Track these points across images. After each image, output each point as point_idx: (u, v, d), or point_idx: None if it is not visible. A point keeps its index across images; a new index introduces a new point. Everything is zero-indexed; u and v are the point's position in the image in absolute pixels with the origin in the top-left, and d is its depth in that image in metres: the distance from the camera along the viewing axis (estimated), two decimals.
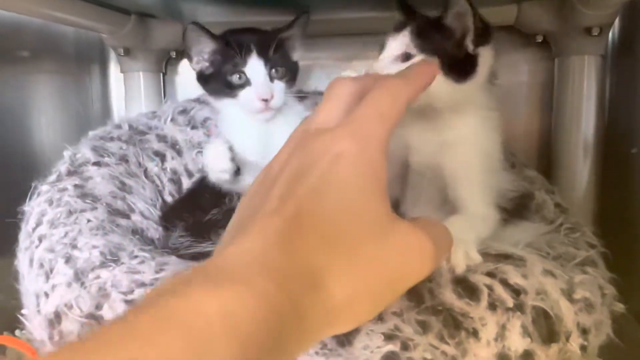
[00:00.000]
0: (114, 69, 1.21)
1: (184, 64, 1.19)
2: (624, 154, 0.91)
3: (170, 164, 0.79)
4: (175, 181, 0.79)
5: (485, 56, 0.64)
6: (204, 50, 0.76)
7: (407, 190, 0.68)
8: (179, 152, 0.81)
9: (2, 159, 0.91)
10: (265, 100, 0.72)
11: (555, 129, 1.01)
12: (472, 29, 0.60)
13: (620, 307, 0.62)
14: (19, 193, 0.93)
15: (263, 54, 0.73)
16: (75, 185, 0.65)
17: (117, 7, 0.97)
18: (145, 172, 0.75)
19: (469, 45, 0.61)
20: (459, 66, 0.61)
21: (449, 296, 0.49)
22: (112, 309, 0.50)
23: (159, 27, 1.08)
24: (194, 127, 0.85)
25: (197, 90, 1.16)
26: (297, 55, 0.80)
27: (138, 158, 0.75)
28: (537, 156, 1.06)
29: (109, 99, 1.22)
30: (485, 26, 0.63)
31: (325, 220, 0.34)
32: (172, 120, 0.84)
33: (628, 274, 0.64)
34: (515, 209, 0.70)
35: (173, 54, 1.15)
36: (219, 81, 0.75)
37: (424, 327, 0.46)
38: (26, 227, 0.62)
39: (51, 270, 0.55)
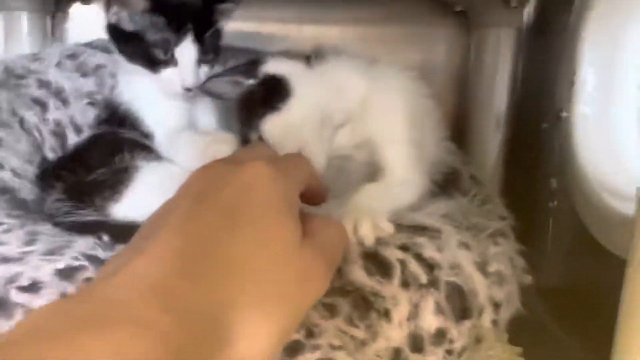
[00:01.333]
0: None
1: (77, 7, 1.04)
2: (533, 128, 0.90)
3: (53, 114, 0.67)
4: (59, 134, 0.67)
5: None
6: (133, 5, 0.62)
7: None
8: (65, 102, 0.69)
9: None
10: (189, 89, 0.63)
11: (469, 101, 0.99)
12: None
13: (528, 279, 0.60)
14: None
15: (199, 38, 0.62)
16: None
17: None
18: (22, 122, 0.62)
19: None
20: None
21: (359, 274, 0.45)
22: None
23: None
24: (84, 75, 0.72)
25: (90, 38, 1.05)
26: (226, 20, 0.68)
27: (12, 104, 0.62)
28: (450, 127, 1.04)
29: None
30: None
31: (233, 245, 0.32)
32: (58, 64, 0.71)
33: (532, 247, 0.63)
34: (444, 185, 0.68)
35: None
36: (139, 47, 0.62)
37: (331, 310, 0.43)
38: None
39: None
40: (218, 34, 0.66)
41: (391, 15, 1.03)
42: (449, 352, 0.48)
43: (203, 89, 0.61)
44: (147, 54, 0.62)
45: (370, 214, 0.51)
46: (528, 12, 0.95)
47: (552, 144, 0.83)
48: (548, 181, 0.82)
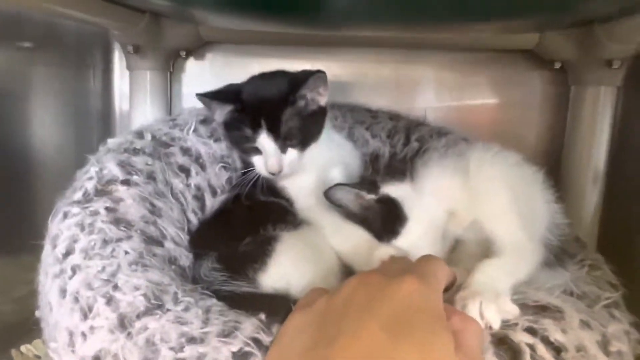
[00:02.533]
0: (118, 65, 1.13)
1: (192, 62, 1.12)
2: (632, 185, 0.90)
3: (194, 179, 0.73)
4: (199, 198, 0.73)
5: None
6: (220, 111, 0.72)
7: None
8: (203, 167, 0.75)
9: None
10: (273, 174, 0.69)
11: (566, 156, 0.99)
12: None
13: None
14: (16, 187, 0.87)
15: (274, 130, 0.68)
16: (107, 209, 0.58)
17: (131, 5, 0.90)
18: (172, 190, 0.69)
19: None
20: None
21: None
22: None
23: (171, 26, 1.01)
24: (217, 140, 0.78)
25: (204, 89, 1.12)
26: (324, 99, 0.72)
27: (164, 175, 0.68)
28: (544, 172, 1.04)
29: (112, 95, 1.14)
30: None
31: (397, 357, 0.38)
32: (194, 131, 0.77)
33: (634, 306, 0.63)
34: (558, 254, 0.67)
35: (183, 54, 1.08)
36: (236, 140, 0.72)
37: None
38: (54, 252, 0.55)
39: (89, 309, 0.49)
40: (302, 111, 0.70)
41: (488, 63, 1.05)
42: None
43: (329, 197, 0.64)
44: (241, 146, 0.71)
45: (494, 295, 0.53)
46: (627, 68, 0.95)
47: None
48: None
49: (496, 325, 0.51)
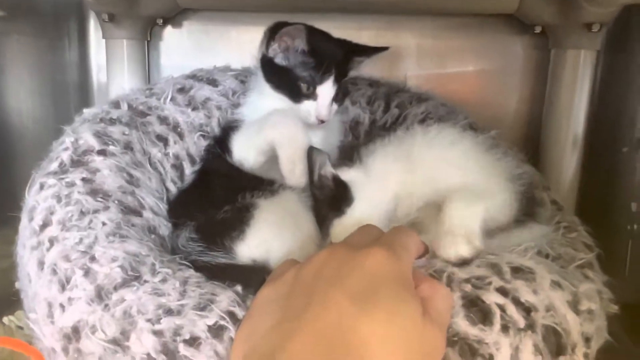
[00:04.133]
0: (94, 34, 1.10)
1: (169, 31, 1.10)
2: (612, 151, 0.91)
3: (172, 148, 0.72)
4: (178, 167, 0.72)
5: None
6: (292, 46, 0.72)
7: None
8: (181, 136, 0.74)
9: None
10: (322, 121, 0.72)
11: (546, 120, 0.99)
12: None
13: (614, 308, 0.61)
14: None
15: (338, 79, 0.72)
16: (84, 180, 0.57)
17: None
18: (149, 159, 0.68)
19: None
20: None
21: (463, 324, 0.47)
22: (140, 342, 0.45)
23: None
24: (195, 109, 0.77)
25: (181, 59, 1.11)
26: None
27: (142, 144, 0.67)
28: (523, 145, 1.05)
29: (88, 65, 1.12)
30: None
31: (365, 326, 0.38)
32: (172, 100, 0.76)
33: (609, 270, 0.63)
34: (526, 205, 0.68)
35: (160, 22, 1.05)
36: (288, 80, 0.72)
37: None
38: (31, 224, 0.55)
39: (67, 281, 0.49)
40: (347, 81, 0.77)
41: (469, 29, 1.04)
42: None
43: (310, 154, 0.64)
44: (293, 87, 0.72)
45: (464, 233, 0.56)
46: (607, 32, 0.95)
47: (632, 168, 0.84)
48: (627, 204, 0.83)
49: (467, 253, 0.54)
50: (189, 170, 0.73)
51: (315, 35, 0.73)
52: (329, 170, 0.64)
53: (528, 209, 0.69)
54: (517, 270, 0.54)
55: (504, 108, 1.06)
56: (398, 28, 1.05)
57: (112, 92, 1.04)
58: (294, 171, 0.65)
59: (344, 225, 0.63)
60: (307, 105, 0.72)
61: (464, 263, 0.55)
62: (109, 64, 1.04)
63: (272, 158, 0.67)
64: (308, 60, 0.71)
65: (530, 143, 1.02)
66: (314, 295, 0.40)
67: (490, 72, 1.05)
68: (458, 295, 0.50)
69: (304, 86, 0.71)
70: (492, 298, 0.50)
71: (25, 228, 0.56)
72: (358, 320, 0.38)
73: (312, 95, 0.71)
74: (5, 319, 0.76)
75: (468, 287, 0.51)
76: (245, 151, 0.69)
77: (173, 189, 0.71)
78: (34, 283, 0.52)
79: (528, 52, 1.03)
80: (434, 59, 1.06)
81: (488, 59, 1.05)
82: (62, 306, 0.48)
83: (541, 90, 1.01)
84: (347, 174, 0.65)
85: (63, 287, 0.49)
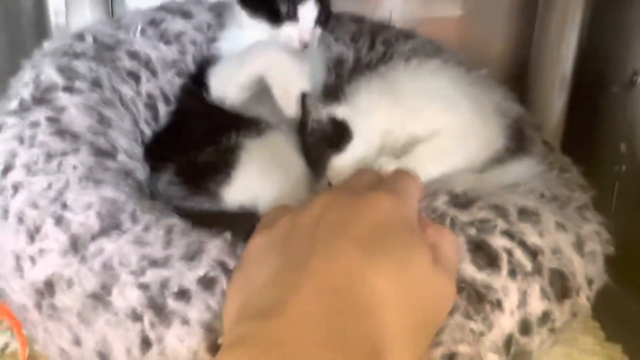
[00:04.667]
0: None
1: None
2: (601, 91, 0.88)
3: (145, 86, 0.65)
4: (152, 107, 0.66)
5: None
6: None
7: None
8: (153, 72, 0.67)
9: None
10: (306, 45, 0.65)
11: (534, 61, 0.96)
12: None
13: (611, 250, 0.59)
14: None
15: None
16: (49, 119, 0.51)
17: None
18: (120, 98, 0.61)
19: None
20: None
21: (469, 270, 0.45)
22: (124, 296, 0.40)
23: None
24: (167, 43, 0.70)
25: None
26: None
27: (111, 81, 0.61)
28: (511, 86, 1.02)
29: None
30: None
31: (376, 276, 0.35)
32: (142, 33, 0.69)
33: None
34: (517, 139, 0.66)
35: None
36: (265, 2, 0.65)
37: None
38: None
39: (37, 230, 0.44)
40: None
41: None
42: (552, 330, 0.49)
43: (304, 100, 0.60)
44: (271, 9, 0.65)
45: None
46: None
47: (623, 108, 0.81)
48: (616, 145, 0.81)
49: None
50: (163, 111, 0.67)
51: None
52: (323, 112, 0.60)
53: (519, 144, 0.66)
54: (521, 212, 0.51)
55: (489, 49, 1.01)
56: None
57: (73, 23, 0.95)
58: (289, 100, 0.59)
59: (342, 163, 0.60)
60: (288, 28, 0.66)
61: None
62: (70, 3, 0.94)
63: (257, 93, 0.62)
64: None
65: (516, 85, 0.99)
66: (317, 243, 0.36)
67: (475, 14, 1.01)
68: (463, 240, 0.47)
69: (283, 7, 0.65)
70: (498, 242, 0.47)
71: None
72: (367, 269, 0.34)
73: (293, 17, 0.65)
74: None
75: (472, 231, 0.48)
76: (226, 87, 0.63)
77: (147, 131, 0.64)
78: None
79: None
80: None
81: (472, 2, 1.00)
82: (32, 259, 0.43)
83: (528, 31, 0.97)
84: (339, 112, 0.61)
85: (32, 238, 0.44)
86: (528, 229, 0.49)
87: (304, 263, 0.35)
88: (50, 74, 0.55)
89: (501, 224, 0.49)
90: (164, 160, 0.58)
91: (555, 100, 0.94)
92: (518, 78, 0.99)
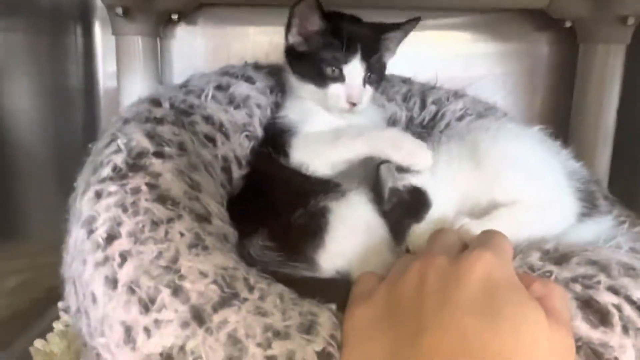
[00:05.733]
0: (100, 30, 1.01)
1: (182, 28, 1.02)
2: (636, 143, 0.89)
3: (221, 150, 0.64)
4: (227, 170, 0.65)
5: None
6: (308, 27, 0.67)
7: None
8: (227, 136, 0.66)
9: None
10: (354, 104, 0.66)
11: (575, 117, 0.96)
12: None
13: None
14: None
15: (366, 57, 0.67)
16: (148, 185, 0.50)
17: None
18: (202, 162, 0.60)
19: None
20: None
21: (583, 327, 0.43)
22: None
23: None
24: (236, 107, 0.70)
25: (193, 58, 1.03)
26: (390, 57, 0.74)
27: (194, 145, 0.60)
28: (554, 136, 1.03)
29: (94, 63, 1.02)
30: None
31: (495, 340, 0.33)
32: (213, 97, 0.69)
33: None
34: (588, 199, 0.66)
35: (175, 17, 0.97)
36: (311, 65, 0.67)
37: None
38: (92, 236, 0.47)
39: (151, 300, 0.42)
40: (382, 60, 0.72)
41: (495, 27, 1.00)
42: None
43: (380, 170, 0.61)
44: (318, 71, 0.67)
45: None
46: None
47: None
48: None
49: None
50: (237, 173, 0.66)
51: (333, 14, 0.69)
52: (401, 182, 0.60)
53: (590, 203, 0.66)
54: (622, 267, 0.50)
55: (529, 105, 1.02)
56: (425, 25, 1.00)
57: (124, 91, 0.95)
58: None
59: (421, 231, 0.59)
60: (334, 87, 0.66)
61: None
62: (120, 62, 0.95)
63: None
64: (329, 41, 0.66)
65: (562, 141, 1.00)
66: (426, 316, 0.35)
67: (516, 69, 1.02)
68: (570, 296, 0.45)
69: (328, 69, 0.66)
70: (606, 298, 0.46)
71: (83, 241, 0.48)
72: (484, 336, 0.33)
73: (339, 78, 0.66)
74: (37, 343, 0.67)
75: (578, 287, 0.47)
76: (315, 161, 0.63)
77: (224, 194, 0.63)
78: (103, 304, 0.44)
79: (555, 48, 1.00)
80: (458, 57, 1.02)
81: (513, 56, 1.02)
82: (146, 330, 0.41)
83: (567, 86, 0.98)
84: (417, 179, 0.61)
85: (146, 308, 0.42)
86: (631, 284, 0.48)
87: (416, 337, 0.34)
88: (141, 140, 0.55)
89: (604, 279, 0.48)
90: (253, 223, 0.56)
91: (599, 153, 0.94)
92: (558, 132, 0.99)
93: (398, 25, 0.70)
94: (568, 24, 0.94)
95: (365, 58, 0.66)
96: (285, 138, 0.66)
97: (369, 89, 0.68)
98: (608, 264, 0.50)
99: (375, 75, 0.68)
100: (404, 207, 0.60)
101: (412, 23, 0.70)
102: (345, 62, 0.66)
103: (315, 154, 0.63)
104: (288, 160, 0.64)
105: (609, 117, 0.93)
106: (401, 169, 0.61)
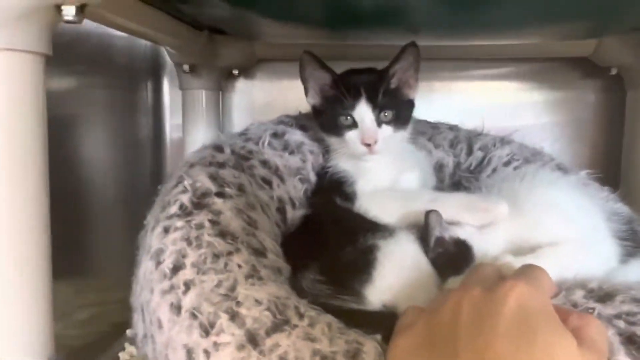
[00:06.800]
0: (168, 85, 1.10)
1: (241, 82, 1.10)
2: None
3: (276, 191, 0.69)
4: (281, 210, 0.69)
5: None
6: (318, 82, 0.72)
7: None
8: (282, 179, 0.71)
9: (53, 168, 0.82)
10: (369, 145, 0.68)
11: (626, 163, 0.96)
12: None
13: None
14: (69, 202, 0.83)
15: (372, 99, 0.69)
16: (211, 222, 0.54)
17: (190, 22, 0.87)
18: (259, 202, 0.65)
19: None
20: None
21: None
22: None
23: (227, 44, 0.98)
24: (291, 153, 0.75)
25: (253, 109, 1.10)
26: (413, 91, 0.73)
27: (252, 187, 0.65)
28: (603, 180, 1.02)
29: (162, 115, 1.11)
30: None
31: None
32: (269, 144, 0.74)
33: None
34: (631, 239, 0.66)
35: (235, 72, 1.05)
36: (329, 119, 0.71)
37: None
38: (160, 267, 0.51)
39: (211, 325, 0.45)
40: (398, 91, 0.72)
41: (541, 76, 1.02)
42: None
43: (428, 216, 0.62)
44: (335, 123, 0.71)
45: None
46: None
47: None
48: None
49: None
50: (290, 214, 0.70)
51: (332, 69, 0.72)
52: (448, 232, 0.62)
53: (635, 242, 0.66)
54: None
55: (577, 152, 1.03)
56: (472, 75, 1.04)
57: (188, 140, 1.03)
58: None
59: (459, 282, 0.60)
60: (350, 134, 0.70)
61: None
62: (186, 114, 1.03)
63: None
64: (336, 93, 0.70)
65: (609, 184, 0.99)
66: (461, 341, 0.37)
67: (563, 117, 1.03)
68: (613, 332, 0.46)
69: (341, 118, 0.70)
70: None
71: (152, 272, 0.52)
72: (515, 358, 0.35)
73: (352, 125, 0.69)
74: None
75: (621, 324, 0.47)
76: (385, 214, 0.66)
77: (277, 233, 0.67)
78: (168, 329, 0.48)
79: (601, 95, 1.01)
80: (505, 106, 1.04)
81: (560, 104, 1.03)
82: (206, 352, 0.45)
83: (616, 133, 0.98)
84: (464, 232, 0.63)
85: (207, 332, 0.45)
86: None
87: None
88: (204, 182, 0.60)
89: None
90: (306, 258, 0.60)
91: None
92: (610, 178, 0.99)
93: (396, 57, 0.70)
94: (614, 72, 0.95)
95: (372, 99, 0.68)
96: (346, 186, 0.71)
97: (386, 128, 0.70)
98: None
99: (392, 112, 0.70)
100: (447, 258, 0.61)
101: (408, 49, 0.70)
102: (353, 108, 0.69)
103: (383, 207, 0.67)
104: (352, 205, 0.69)
105: None
106: None
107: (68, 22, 0.45)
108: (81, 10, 0.45)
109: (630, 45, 0.90)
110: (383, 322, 0.50)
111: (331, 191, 0.71)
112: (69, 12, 0.44)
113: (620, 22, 0.83)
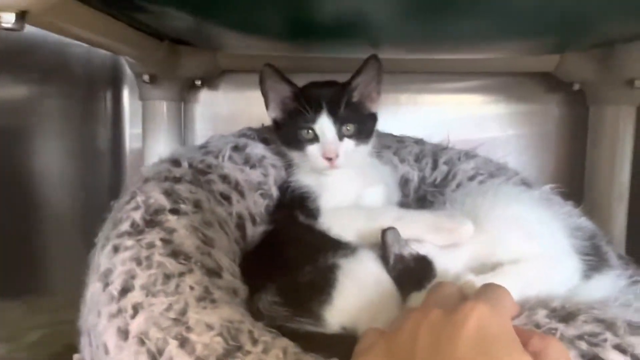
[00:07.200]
0: (128, 95, 1.07)
1: (205, 93, 1.07)
2: None
3: (236, 207, 0.66)
4: (241, 227, 0.67)
5: None
6: (278, 95, 0.71)
7: None
8: (242, 194, 0.69)
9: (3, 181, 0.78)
10: (330, 159, 0.67)
11: (589, 177, 0.97)
12: None
13: None
14: (19, 217, 0.80)
15: (333, 112, 0.68)
16: (163, 240, 0.52)
17: (151, 32, 0.85)
18: (217, 219, 0.62)
19: None
20: None
21: None
22: None
23: (189, 54, 0.96)
24: (252, 167, 0.73)
25: (217, 120, 1.08)
26: (376, 105, 0.72)
27: (210, 203, 0.62)
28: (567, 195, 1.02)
29: (122, 126, 1.08)
30: None
31: None
32: (229, 158, 0.72)
33: None
34: (594, 255, 0.66)
35: (198, 83, 1.02)
36: (290, 132, 0.70)
37: None
38: (108, 289, 0.49)
39: (159, 352, 0.43)
40: (360, 104, 0.71)
41: (506, 90, 1.03)
42: None
43: (385, 235, 0.61)
44: (295, 137, 0.69)
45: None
46: None
47: None
48: None
49: None
50: (250, 230, 0.68)
51: (293, 82, 0.71)
52: (407, 249, 0.60)
53: (598, 259, 0.66)
54: (628, 326, 0.50)
55: (542, 165, 1.03)
56: (437, 88, 1.04)
57: (148, 152, 1.00)
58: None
59: (420, 299, 0.59)
60: (311, 148, 0.68)
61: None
62: (146, 125, 1.00)
63: None
64: (297, 107, 0.69)
65: (573, 198, 0.99)
66: None
67: (527, 130, 1.04)
68: (575, 354, 0.46)
69: (302, 132, 0.68)
70: (612, 356, 0.46)
71: (99, 294, 0.49)
72: None
73: (314, 139, 0.68)
74: None
75: (583, 345, 0.47)
76: (348, 232, 0.65)
77: (237, 251, 0.65)
78: (114, 355, 0.45)
79: (565, 109, 1.02)
80: (470, 119, 1.04)
81: (524, 118, 1.04)
82: None
83: (579, 146, 0.99)
84: (423, 248, 0.61)
85: (154, 359, 0.43)
86: (637, 342, 0.47)
87: None
88: (158, 198, 0.57)
89: (611, 337, 0.48)
90: (263, 279, 0.57)
91: (614, 212, 0.94)
92: (572, 194, 1.00)
93: (358, 70, 0.69)
94: (577, 87, 0.96)
95: (333, 113, 0.67)
96: (309, 201, 0.69)
97: (348, 142, 0.68)
98: (614, 322, 0.50)
99: (353, 125, 0.68)
100: (408, 274, 0.60)
101: (370, 63, 0.69)
102: (314, 121, 0.67)
103: (346, 225, 0.65)
104: (315, 222, 0.66)
105: (622, 176, 0.93)
106: None
107: (7, 29, 0.42)
108: (22, 17, 0.42)
109: (591, 62, 0.91)
110: (341, 346, 0.48)
111: (293, 207, 0.69)
112: (8, 19, 0.41)
113: (581, 39, 0.84)
